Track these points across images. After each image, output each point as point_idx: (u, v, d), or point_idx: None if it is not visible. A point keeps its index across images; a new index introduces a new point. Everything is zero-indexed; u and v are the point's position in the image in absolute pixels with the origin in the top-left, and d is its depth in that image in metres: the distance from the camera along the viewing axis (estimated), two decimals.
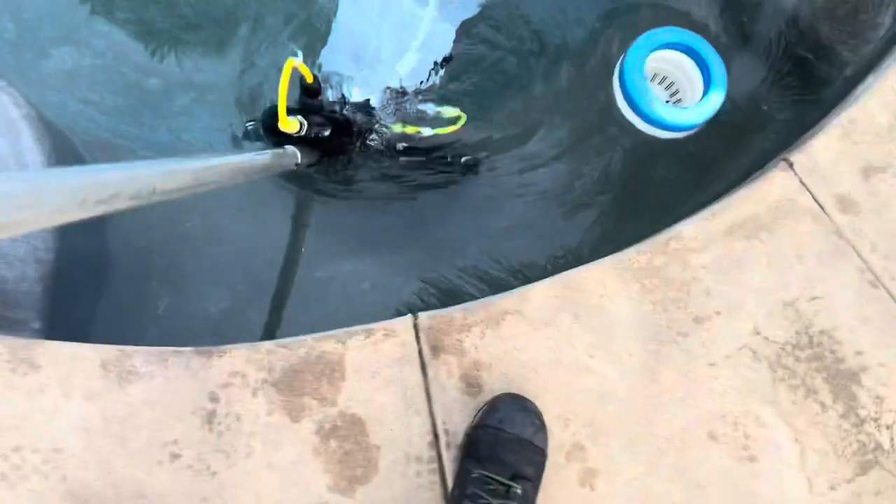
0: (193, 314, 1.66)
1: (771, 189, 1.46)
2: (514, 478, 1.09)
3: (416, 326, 1.29)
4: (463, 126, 1.76)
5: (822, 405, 1.34)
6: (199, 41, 1.90)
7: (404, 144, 1.72)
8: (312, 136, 1.42)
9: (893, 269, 1.43)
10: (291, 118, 1.35)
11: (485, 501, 1.05)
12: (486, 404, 1.21)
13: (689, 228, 1.41)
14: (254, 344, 1.24)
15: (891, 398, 1.36)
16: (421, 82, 1.80)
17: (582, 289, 1.34)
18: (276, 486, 1.17)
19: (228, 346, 1.23)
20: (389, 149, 1.72)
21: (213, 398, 1.20)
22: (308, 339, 1.25)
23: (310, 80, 1.41)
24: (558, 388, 1.29)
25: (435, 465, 1.22)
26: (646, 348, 1.33)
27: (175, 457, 1.16)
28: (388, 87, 1.76)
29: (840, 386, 1.35)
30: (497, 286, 1.73)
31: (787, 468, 1.30)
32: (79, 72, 1.88)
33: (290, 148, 1.39)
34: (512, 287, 1.36)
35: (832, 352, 1.37)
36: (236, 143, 1.81)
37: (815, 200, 1.46)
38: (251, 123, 1.72)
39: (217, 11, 1.92)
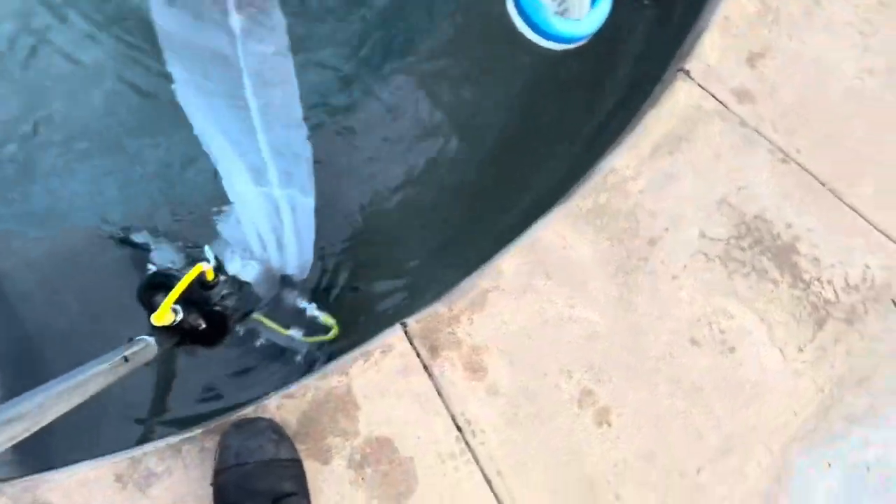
0: None
1: (677, 101, 1.54)
2: (276, 501, 1.08)
3: (407, 334, 1.31)
4: (332, 340, 1.64)
5: (774, 282, 1.48)
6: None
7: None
8: (184, 327, 1.30)
9: (796, 142, 1.56)
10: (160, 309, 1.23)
11: None
12: (218, 445, 1.16)
13: (620, 160, 1.48)
14: (260, 404, 1.22)
15: (824, 256, 1.52)
16: (305, 279, 1.67)
17: (544, 247, 1.40)
18: None
19: (235, 415, 1.20)
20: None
21: None
22: (312, 381, 1.24)
23: (210, 277, 1.30)
24: (552, 345, 1.35)
25: (468, 455, 1.27)
26: (615, 282, 1.41)
27: None
28: (273, 277, 1.63)
29: (783, 260, 1.49)
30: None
31: (761, 347, 1.43)
32: None
33: (147, 339, 1.27)
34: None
35: (768, 232, 1.51)
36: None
37: (717, 100, 1.56)
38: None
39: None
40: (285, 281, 1.60)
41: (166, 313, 1.20)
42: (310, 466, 1.20)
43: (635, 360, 1.37)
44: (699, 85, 1.55)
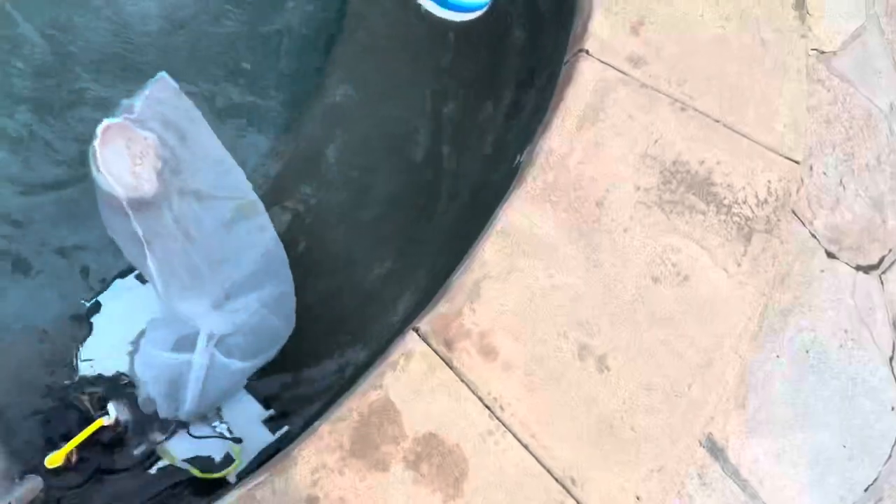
0: None
1: (584, 78, 1.74)
2: None
3: (422, 336, 1.43)
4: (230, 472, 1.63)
5: (703, 213, 1.71)
6: None
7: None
8: (73, 468, 1.42)
9: (688, 90, 1.81)
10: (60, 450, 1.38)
11: None
12: None
13: (553, 139, 1.66)
14: (312, 433, 1.30)
15: (735, 181, 1.77)
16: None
17: (516, 229, 1.55)
18: None
19: (295, 450, 1.28)
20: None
21: (313, 499, 1.26)
22: (352, 400, 1.33)
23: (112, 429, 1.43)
24: (545, 314, 1.51)
25: (503, 428, 1.41)
26: (579, 245, 1.60)
27: None
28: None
29: (704, 192, 1.73)
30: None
31: (709, 270, 1.66)
32: None
33: (33, 478, 1.38)
34: None
35: (687, 172, 1.74)
36: None
37: (616, 69, 1.78)
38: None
39: None
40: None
41: (58, 457, 1.29)
42: (373, 478, 1.30)
43: (614, 307, 1.56)
44: (599, 60, 1.76)
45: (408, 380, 1.38)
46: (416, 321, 1.43)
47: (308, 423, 1.47)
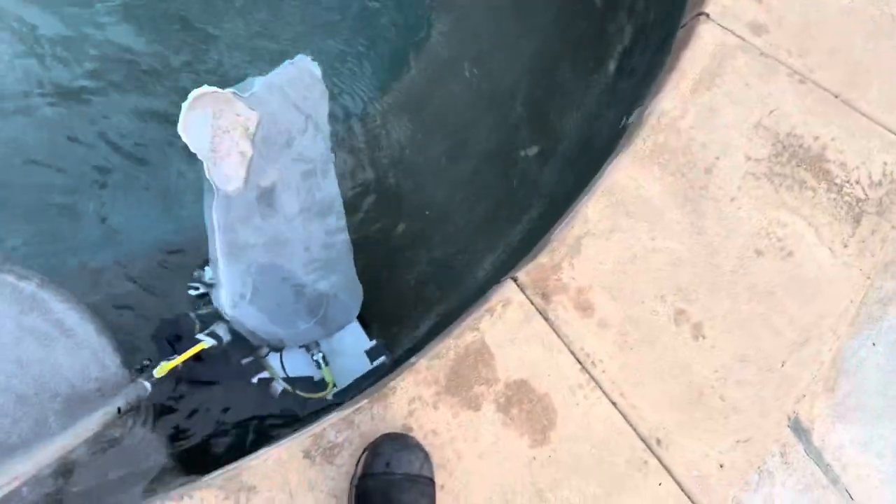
0: None
1: (703, 42, 1.70)
2: None
3: (519, 286, 1.44)
4: (326, 394, 1.72)
5: (813, 189, 1.66)
6: None
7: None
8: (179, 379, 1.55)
9: (809, 62, 1.74)
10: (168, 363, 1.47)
11: None
12: (366, 450, 1.22)
13: (666, 101, 1.63)
14: (411, 367, 1.34)
15: (849, 160, 1.71)
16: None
17: (621, 189, 1.55)
18: (492, 468, 1.32)
19: (393, 381, 1.32)
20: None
21: (407, 428, 1.31)
22: (450, 341, 1.37)
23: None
24: (643, 275, 1.51)
25: (593, 384, 1.42)
26: (685, 212, 1.58)
27: None
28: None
29: (817, 169, 1.68)
30: None
31: (814, 248, 1.62)
32: None
33: (141, 384, 1.47)
34: None
35: (800, 146, 1.69)
36: None
37: (737, 35, 1.73)
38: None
39: None
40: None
41: (168, 370, 1.44)
42: (465, 416, 1.34)
43: (714, 276, 1.54)
44: (719, 25, 1.71)
45: (503, 326, 1.40)
46: (515, 271, 1.45)
47: (401, 362, 1.52)
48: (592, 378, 1.42)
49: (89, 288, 1.65)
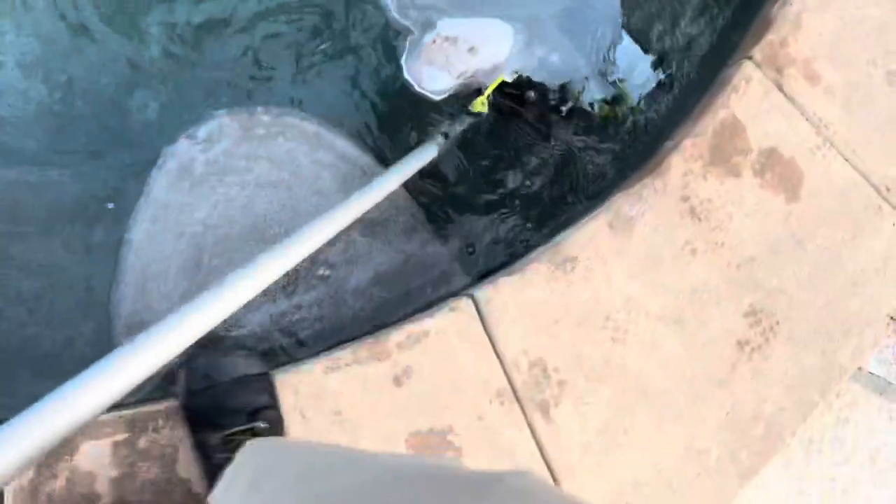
0: None
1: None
2: (252, 414, 1.05)
3: (755, 64, 1.57)
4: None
5: None
6: None
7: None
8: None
9: None
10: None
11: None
12: (180, 369, 1.12)
13: None
14: (675, 148, 1.49)
15: None
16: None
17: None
18: (757, 225, 1.50)
19: (665, 159, 1.48)
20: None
21: (685, 198, 1.48)
22: (706, 119, 1.52)
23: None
24: (856, 44, 1.63)
25: (828, 144, 1.58)
26: None
27: None
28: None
29: None
30: None
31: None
32: None
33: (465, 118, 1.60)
34: None
35: None
36: None
37: None
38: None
39: None
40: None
41: (483, 103, 1.57)
42: (730, 183, 1.50)
43: None
44: None
45: (748, 102, 1.55)
46: (748, 52, 1.57)
47: None
48: (827, 139, 1.58)
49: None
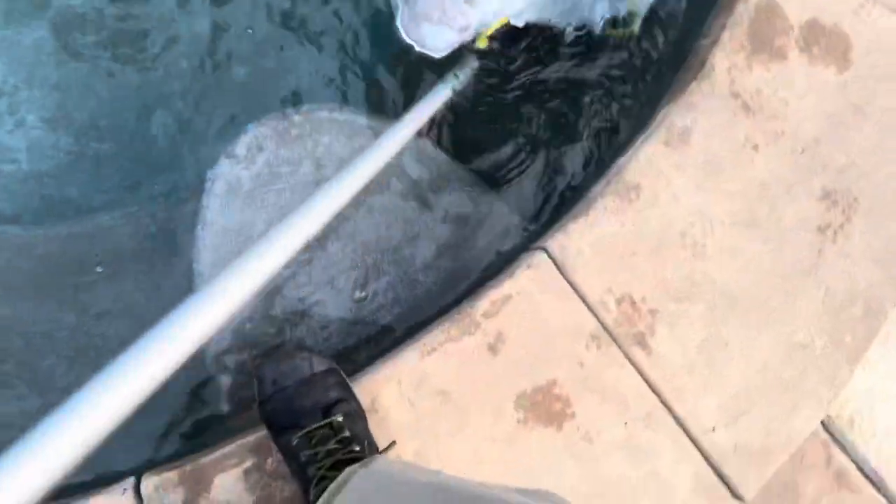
0: None
1: None
2: (327, 410, 1.08)
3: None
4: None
5: None
6: None
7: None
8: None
9: None
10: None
11: (323, 451, 1.03)
12: (254, 378, 1.16)
13: None
14: (717, 41, 1.43)
15: None
16: None
17: None
18: (818, 109, 1.43)
19: (707, 58, 1.42)
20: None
21: (735, 95, 1.42)
22: (740, 5, 1.44)
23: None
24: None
25: (872, 2, 1.48)
26: None
27: None
28: None
29: None
30: None
31: None
32: None
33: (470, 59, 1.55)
34: None
35: None
36: None
37: None
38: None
39: None
40: None
41: (485, 42, 1.50)
42: (777, 68, 1.44)
43: None
44: None
45: None
46: None
47: None
48: None
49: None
